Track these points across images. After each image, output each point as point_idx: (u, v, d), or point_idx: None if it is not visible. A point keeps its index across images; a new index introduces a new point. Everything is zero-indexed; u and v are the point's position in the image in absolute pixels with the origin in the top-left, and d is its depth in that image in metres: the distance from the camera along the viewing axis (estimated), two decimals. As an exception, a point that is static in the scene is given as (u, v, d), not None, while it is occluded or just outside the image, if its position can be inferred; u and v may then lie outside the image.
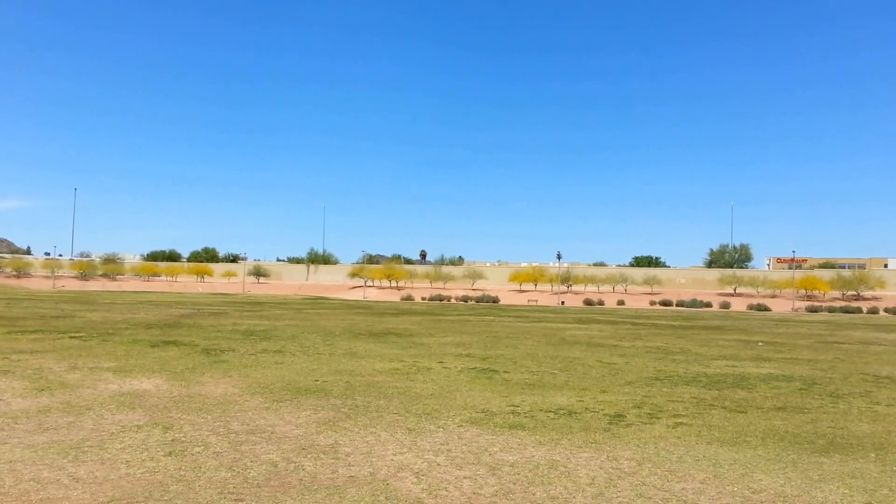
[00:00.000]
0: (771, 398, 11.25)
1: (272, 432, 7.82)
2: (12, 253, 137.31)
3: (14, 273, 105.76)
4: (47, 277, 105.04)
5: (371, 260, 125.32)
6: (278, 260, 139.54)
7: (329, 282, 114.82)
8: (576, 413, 9.42)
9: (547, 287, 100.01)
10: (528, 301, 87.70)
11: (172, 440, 7.31)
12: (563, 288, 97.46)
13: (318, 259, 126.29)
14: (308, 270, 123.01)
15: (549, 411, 9.51)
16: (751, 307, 77.47)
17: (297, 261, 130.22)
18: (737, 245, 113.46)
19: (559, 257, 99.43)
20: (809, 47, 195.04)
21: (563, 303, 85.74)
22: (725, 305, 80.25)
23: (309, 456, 6.78)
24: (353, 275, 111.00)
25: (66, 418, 8.34)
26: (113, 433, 7.59)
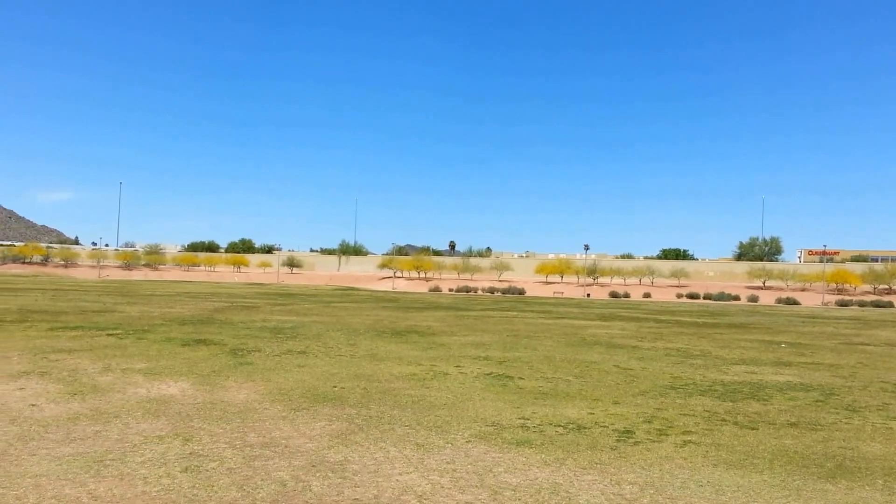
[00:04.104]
0: (785, 411, 11.27)
1: (286, 446, 8.13)
2: (61, 243, 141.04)
3: (62, 263, 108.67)
4: (93, 267, 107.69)
5: (401, 251, 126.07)
6: (311, 251, 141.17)
7: (359, 272, 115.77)
8: (585, 428, 9.58)
9: (573, 279, 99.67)
10: (554, 293, 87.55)
11: (190, 453, 7.65)
12: (590, 280, 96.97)
13: (350, 250, 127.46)
14: (339, 261, 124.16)
15: (559, 425, 9.69)
16: (779, 301, 76.48)
17: (330, 252, 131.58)
18: (767, 238, 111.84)
19: (586, 249, 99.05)
20: (846, 38, 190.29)
21: (588, 295, 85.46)
22: (753, 299, 79.25)
23: (318, 474, 7.07)
24: (383, 266, 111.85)
25: (94, 427, 8.75)
26: (135, 444, 7.96)
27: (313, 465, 7.38)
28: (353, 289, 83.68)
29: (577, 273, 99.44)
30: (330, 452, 7.92)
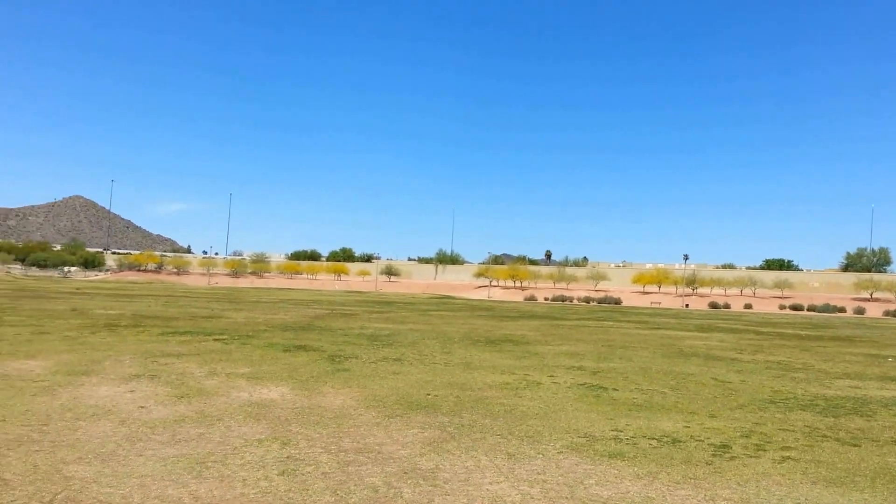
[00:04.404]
0: (890, 428, 10.57)
1: (379, 452, 8.29)
2: (174, 251, 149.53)
3: (175, 270, 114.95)
4: (203, 275, 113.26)
5: (496, 260, 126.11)
6: (409, 259, 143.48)
7: (455, 281, 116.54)
8: (680, 441, 9.29)
9: (671, 289, 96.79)
10: (651, 303, 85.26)
11: (287, 457, 7.91)
12: (688, 290, 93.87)
13: (446, 259, 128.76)
14: (436, 270, 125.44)
15: (653, 438, 9.44)
16: (887, 313, 71.87)
17: (426, 261, 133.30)
18: (875, 249, 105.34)
19: (685, 259, 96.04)
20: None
21: (687, 305, 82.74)
22: (860, 311, 74.75)
23: (409, 481, 7.17)
24: (479, 275, 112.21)
25: (198, 429, 9.19)
26: (236, 447, 8.31)
27: (405, 472, 7.48)
28: (448, 297, 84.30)
29: (675, 283, 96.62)
30: (422, 460, 8.01)
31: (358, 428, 9.56)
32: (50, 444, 11.68)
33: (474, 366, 16.73)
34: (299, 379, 13.77)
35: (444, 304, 62.13)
